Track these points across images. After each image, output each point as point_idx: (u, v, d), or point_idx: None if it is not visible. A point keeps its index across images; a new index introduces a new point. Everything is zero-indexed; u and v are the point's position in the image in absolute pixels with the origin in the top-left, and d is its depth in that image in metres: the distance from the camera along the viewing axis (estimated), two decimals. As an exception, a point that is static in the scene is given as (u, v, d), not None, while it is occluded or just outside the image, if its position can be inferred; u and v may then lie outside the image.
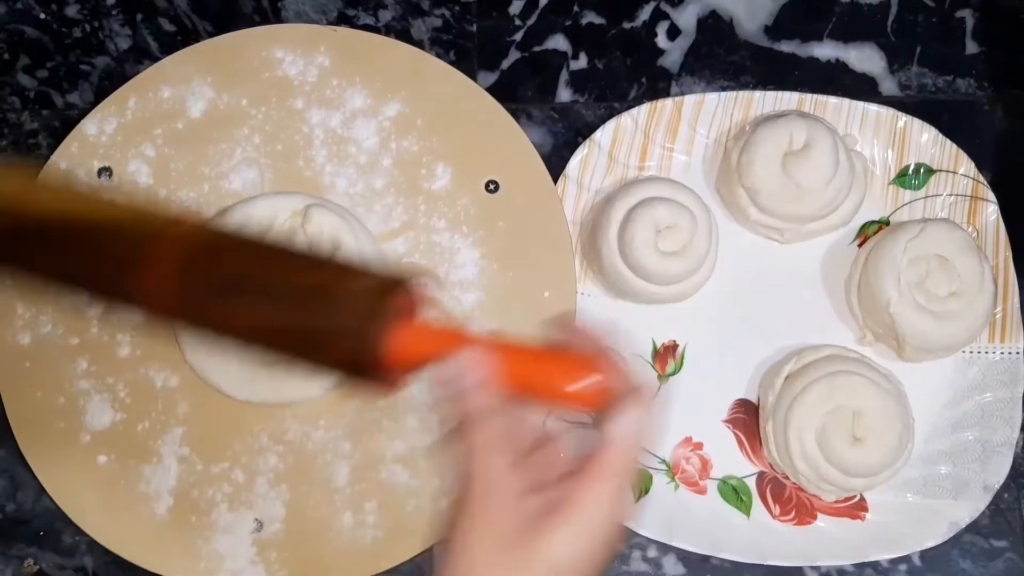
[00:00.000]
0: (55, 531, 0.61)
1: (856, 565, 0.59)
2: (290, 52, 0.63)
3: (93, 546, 0.58)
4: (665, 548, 0.60)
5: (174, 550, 0.56)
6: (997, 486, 0.59)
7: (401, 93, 0.63)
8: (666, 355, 0.62)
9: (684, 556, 0.60)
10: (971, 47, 0.68)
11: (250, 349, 0.42)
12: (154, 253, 0.42)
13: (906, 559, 0.60)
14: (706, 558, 0.60)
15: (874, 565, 0.60)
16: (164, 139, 0.62)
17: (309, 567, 0.56)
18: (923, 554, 0.60)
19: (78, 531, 0.57)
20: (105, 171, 0.61)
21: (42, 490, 0.58)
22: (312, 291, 0.40)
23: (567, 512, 0.35)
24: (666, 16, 0.69)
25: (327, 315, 0.39)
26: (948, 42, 0.68)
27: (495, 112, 0.62)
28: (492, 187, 0.61)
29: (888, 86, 0.67)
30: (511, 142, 0.62)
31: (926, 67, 0.68)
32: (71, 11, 0.69)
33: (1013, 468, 0.59)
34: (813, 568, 0.59)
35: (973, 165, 0.63)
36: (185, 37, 0.68)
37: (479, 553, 0.35)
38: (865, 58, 0.68)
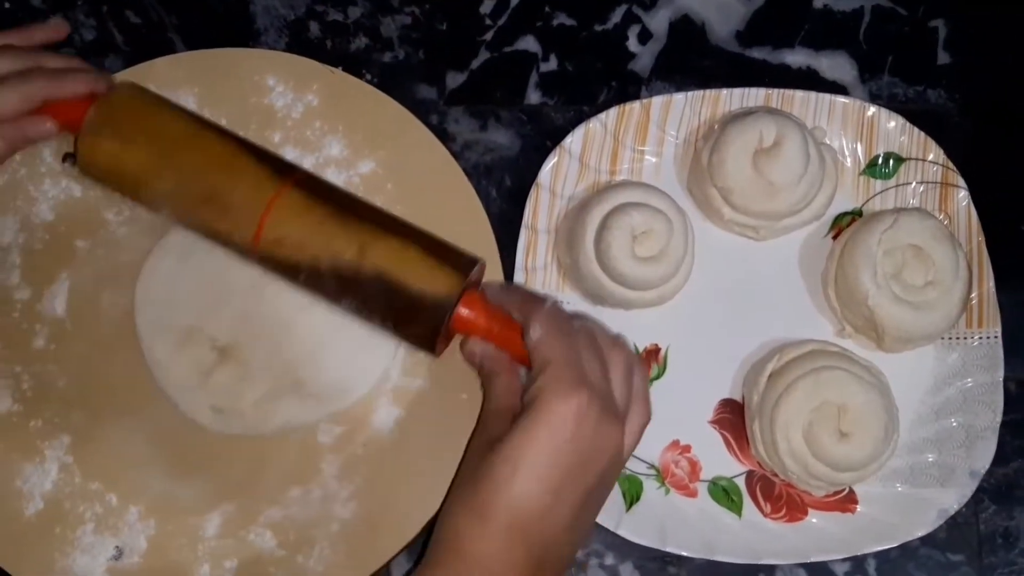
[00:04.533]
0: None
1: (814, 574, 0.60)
2: (282, 83, 0.62)
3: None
4: (623, 555, 0.60)
5: (31, 556, 0.55)
6: (983, 471, 0.59)
7: (379, 153, 0.62)
8: (649, 359, 0.62)
9: (640, 565, 0.60)
10: (943, 57, 0.68)
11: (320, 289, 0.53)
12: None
13: (862, 571, 0.60)
14: (663, 566, 0.60)
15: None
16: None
17: None
18: (879, 567, 0.60)
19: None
20: (71, 157, 0.60)
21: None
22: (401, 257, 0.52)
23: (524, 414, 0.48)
24: (638, 19, 0.68)
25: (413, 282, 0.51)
26: (920, 52, 0.68)
27: (466, 194, 0.61)
28: None
29: (859, 95, 0.67)
30: (475, 225, 0.61)
31: (897, 76, 0.67)
32: (36, 1, 0.68)
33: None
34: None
35: (942, 152, 0.63)
36: (150, 30, 0.67)
37: (471, 451, 0.51)
38: (836, 66, 0.68)
